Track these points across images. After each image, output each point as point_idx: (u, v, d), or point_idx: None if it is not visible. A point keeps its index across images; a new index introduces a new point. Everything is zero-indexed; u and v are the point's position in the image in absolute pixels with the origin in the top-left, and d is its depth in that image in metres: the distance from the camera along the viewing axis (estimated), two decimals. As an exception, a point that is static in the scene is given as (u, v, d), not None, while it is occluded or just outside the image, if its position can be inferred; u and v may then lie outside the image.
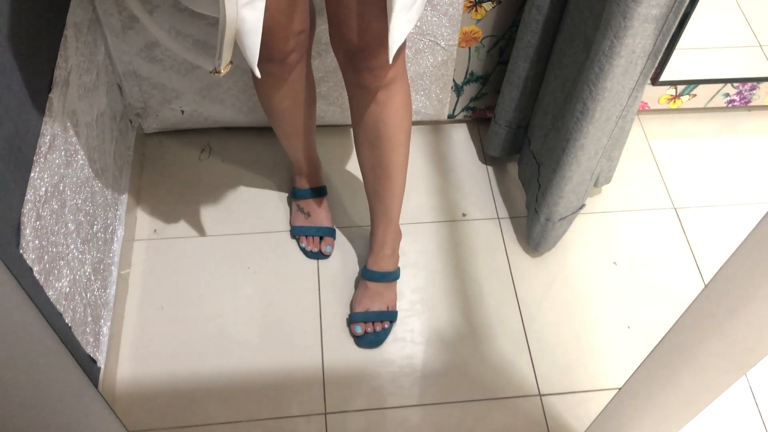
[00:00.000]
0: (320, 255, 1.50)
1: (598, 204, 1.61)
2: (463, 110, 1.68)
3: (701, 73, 1.68)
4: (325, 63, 1.50)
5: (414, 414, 1.32)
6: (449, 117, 1.69)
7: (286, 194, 1.59)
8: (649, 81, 1.67)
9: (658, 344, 0.85)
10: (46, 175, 1.07)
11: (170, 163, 1.63)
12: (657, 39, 1.12)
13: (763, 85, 1.71)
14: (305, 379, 1.35)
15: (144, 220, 1.53)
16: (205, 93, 1.55)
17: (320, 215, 1.52)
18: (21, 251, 0.97)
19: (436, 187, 1.63)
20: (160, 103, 1.57)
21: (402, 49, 1.11)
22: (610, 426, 1.05)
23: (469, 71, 1.57)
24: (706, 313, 0.77)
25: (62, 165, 1.13)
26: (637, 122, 1.76)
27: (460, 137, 1.71)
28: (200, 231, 1.53)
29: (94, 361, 1.23)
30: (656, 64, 1.20)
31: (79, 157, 1.21)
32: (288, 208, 1.57)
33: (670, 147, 1.73)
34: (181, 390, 1.32)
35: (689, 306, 0.79)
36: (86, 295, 1.21)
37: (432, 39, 1.47)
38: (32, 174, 1.02)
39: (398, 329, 1.41)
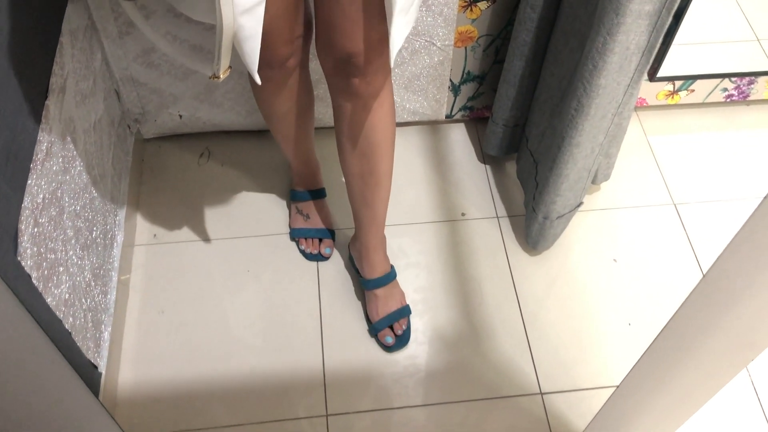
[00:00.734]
0: (320, 257, 1.50)
1: (596, 201, 1.61)
2: (460, 110, 1.68)
3: (699, 69, 1.68)
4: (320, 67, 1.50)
5: (418, 414, 1.32)
6: (447, 117, 1.69)
7: (285, 197, 1.59)
8: (646, 77, 1.67)
9: (654, 340, 0.85)
10: (43, 182, 1.07)
11: (169, 167, 1.63)
12: (651, 35, 1.12)
13: (761, 80, 1.70)
14: (306, 381, 1.35)
15: (144, 225, 1.54)
16: (202, 97, 1.56)
17: (319, 217, 1.53)
18: (19, 258, 0.97)
19: (435, 186, 1.63)
20: (158, 108, 1.57)
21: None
22: (609, 424, 1.05)
23: (466, 71, 1.57)
24: (702, 307, 0.77)
25: (60, 172, 1.14)
26: (636, 118, 1.76)
27: (458, 137, 1.71)
28: (200, 235, 1.53)
29: (95, 367, 1.23)
30: (651, 61, 1.20)
31: (77, 163, 1.22)
32: (287, 211, 1.57)
33: (668, 143, 1.72)
34: (183, 394, 1.33)
35: (685, 300, 0.79)
36: (86, 301, 1.22)
37: (428, 39, 1.47)
38: (29, 181, 1.02)
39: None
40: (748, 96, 1.75)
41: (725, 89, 1.72)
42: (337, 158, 1.65)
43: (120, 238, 1.42)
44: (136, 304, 1.43)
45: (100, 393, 1.24)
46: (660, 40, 1.16)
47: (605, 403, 1.02)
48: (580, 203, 1.46)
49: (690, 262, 1.52)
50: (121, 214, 1.45)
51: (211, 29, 1.39)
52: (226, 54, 0.92)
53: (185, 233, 1.53)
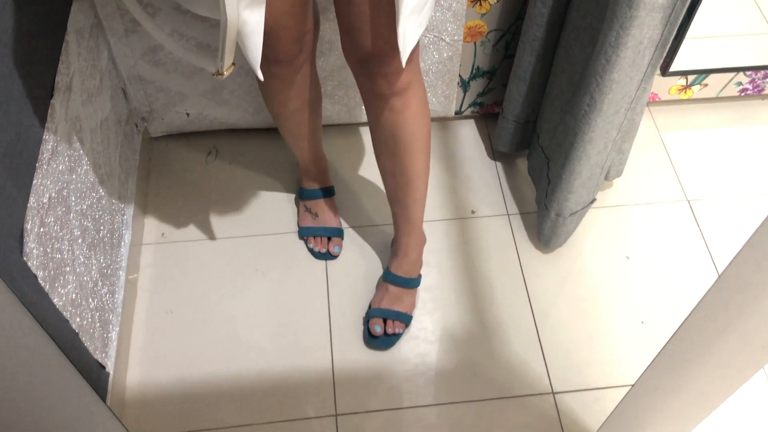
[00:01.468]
0: (328, 256, 1.49)
1: (609, 198, 1.59)
2: (470, 106, 1.66)
3: (712, 63, 1.65)
4: (329, 62, 1.49)
5: (428, 413, 1.30)
6: (456, 113, 1.67)
7: (294, 195, 1.58)
8: (659, 71, 1.64)
9: (670, 339, 0.83)
10: (49, 182, 1.06)
11: (177, 166, 1.62)
12: (665, 28, 1.10)
13: (777, 73, 1.68)
14: (315, 381, 1.34)
15: (151, 224, 1.53)
16: (210, 95, 1.55)
17: (328, 215, 1.51)
18: (24, 258, 0.96)
19: (445, 184, 1.61)
20: (165, 106, 1.56)
21: (415, 54, 1.08)
22: (623, 424, 1.04)
23: (475, 66, 1.55)
24: (718, 306, 0.75)
25: (66, 171, 1.13)
26: (648, 114, 1.73)
27: (468, 133, 1.69)
28: (208, 234, 1.52)
29: (103, 367, 1.23)
30: (664, 55, 1.18)
31: (84, 162, 1.21)
32: (295, 209, 1.56)
33: (682, 138, 1.70)
34: (192, 393, 1.32)
35: (701, 299, 0.77)
36: (93, 301, 1.21)
37: (436, 35, 1.45)
38: (35, 181, 1.01)
39: (411, 327, 1.40)
40: (763, 90, 1.72)
41: (740, 83, 1.69)
42: (345, 155, 1.64)
43: (128, 237, 1.41)
44: (144, 303, 1.43)
45: (108, 393, 1.23)
46: (674, 34, 1.13)
47: (619, 403, 1.00)
48: (593, 200, 1.44)
49: (704, 259, 1.50)
50: (129, 213, 1.44)
51: (216, 26, 1.37)
52: (230, 51, 0.91)
53: (193, 232, 1.52)
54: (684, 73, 1.65)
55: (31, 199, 1.00)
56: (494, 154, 1.65)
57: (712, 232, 1.54)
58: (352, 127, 1.68)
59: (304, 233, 1.51)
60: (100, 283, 1.25)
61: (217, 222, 1.54)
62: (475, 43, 1.50)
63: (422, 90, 1.15)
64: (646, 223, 1.55)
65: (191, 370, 1.35)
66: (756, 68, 1.66)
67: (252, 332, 1.39)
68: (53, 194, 1.07)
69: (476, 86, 1.61)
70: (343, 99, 1.59)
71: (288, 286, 1.45)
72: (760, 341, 0.77)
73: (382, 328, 1.37)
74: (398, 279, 1.39)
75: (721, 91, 1.71)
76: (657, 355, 0.87)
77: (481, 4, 1.41)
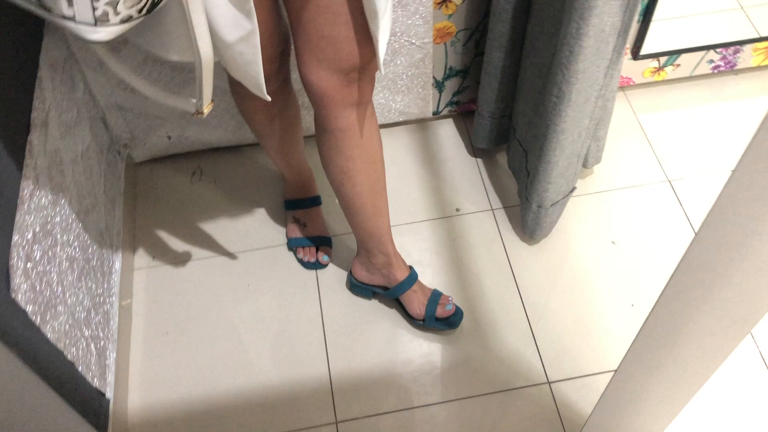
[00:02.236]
0: (318, 265, 1.51)
1: (590, 185, 1.60)
2: (447, 105, 1.68)
3: (683, 43, 1.67)
4: (303, 74, 1.50)
5: (427, 413, 1.32)
6: (434, 114, 1.69)
7: (279, 208, 1.60)
8: (630, 56, 1.66)
9: (648, 316, 0.85)
10: (32, 217, 1.08)
11: (163, 189, 1.64)
12: (624, 14, 1.12)
13: (747, 48, 1.69)
14: (314, 390, 1.35)
15: (142, 249, 1.55)
16: (189, 117, 1.57)
17: (316, 225, 1.53)
18: (12, 294, 0.98)
19: (428, 184, 1.63)
20: (146, 131, 1.58)
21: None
22: (614, 407, 1.05)
23: (448, 66, 1.57)
24: (694, 276, 0.76)
25: (49, 205, 1.15)
26: (624, 98, 1.75)
27: (447, 133, 1.71)
28: (198, 253, 1.54)
29: (103, 394, 1.24)
30: (627, 40, 1.19)
31: (67, 194, 1.23)
32: (281, 222, 1.58)
33: (659, 120, 1.71)
34: (194, 413, 1.33)
35: (675, 270, 0.78)
36: (87, 330, 1.22)
37: (406, 39, 1.47)
38: (17, 217, 1.03)
39: (402, 329, 1.41)
40: (735, 65, 1.74)
41: (711, 61, 1.71)
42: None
43: (118, 263, 1.43)
44: (140, 327, 1.44)
45: (109, 420, 1.24)
46: (634, 19, 1.15)
47: (607, 387, 1.02)
48: (573, 188, 1.45)
49: (688, 237, 1.52)
50: (118, 239, 1.46)
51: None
52: (208, 88, 0.93)
53: (184, 253, 1.54)
54: (655, 56, 1.66)
55: (15, 236, 1.01)
56: (474, 150, 1.67)
57: (695, 210, 1.55)
58: (332, 136, 1.70)
59: (292, 244, 1.53)
60: (93, 312, 1.27)
61: (206, 241, 1.56)
62: (445, 44, 1.52)
63: (373, 113, 1.18)
64: (629, 206, 1.57)
65: (191, 389, 1.36)
66: (726, 45, 1.67)
67: (248, 347, 1.41)
68: (37, 229, 1.09)
69: (451, 86, 1.62)
70: (321, 109, 1.60)
71: (280, 298, 1.47)
72: (738, 311, 0.79)
73: (452, 305, 1.38)
74: (412, 277, 1.38)
75: (694, 69, 1.73)
76: (637, 335, 0.88)
77: (447, 6, 1.43)
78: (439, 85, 1.61)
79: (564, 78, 1.18)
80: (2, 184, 1.00)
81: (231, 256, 1.53)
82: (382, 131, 1.64)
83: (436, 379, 1.36)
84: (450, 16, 1.45)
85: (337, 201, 1.60)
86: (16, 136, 1.07)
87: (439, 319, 1.38)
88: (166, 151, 1.64)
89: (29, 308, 1.01)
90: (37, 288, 1.06)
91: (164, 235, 1.57)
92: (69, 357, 1.13)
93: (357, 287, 1.43)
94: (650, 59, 1.67)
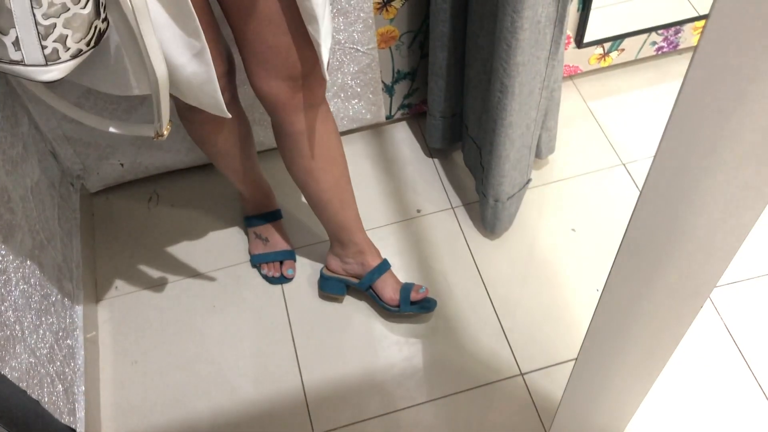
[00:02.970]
0: (283, 279, 1.50)
1: (547, 175, 1.62)
2: (399, 109, 1.68)
3: (624, 27, 1.70)
4: (251, 91, 1.50)
5: (404, 416, 1.32)
6: (387, 118, 1.70)
7: (240, 226, 1.59)
8: (574, 44, 1.68)
9: (600, 299, 0.86)
10: (-18, 257, 1.06)
11: (120, 217, 1.62)
12: (558, 4, 1.13)
13: (687, 27, 1.72)
14: (289, 404, 1.34)
15: (103, 279, 1.53)
16: (139, 143, 1.55)
17: (278, 239, 1.52)
18: (-34, 338, 0.96)
19: (387, 188, 1.63)
20: (97, 160, 1.56)
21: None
22: (581, 393, 1.06)
23: (396, 70, 1.58)
24: (639, 251, 0.77)
25: (0, 243, 1.13)
26: (572, 86, 1.77)
27: (402, 136, 1.72)
28: (161, 279, 1.52)
29: (74, 430, 1.22)
30: (565, 29, 1.21)
31: (19, 231, 1.21)
32: (242, 240, 1.57)
33: (608, 105, 1.74)
34: (168, 440, 1.32)
35: (619, 247, 0.79)
36: (52, 366, 1.21)
37: (351, 46, 1.47)
38: (-35, 259, 1.01)
39: (373, 334, 1.41)
40: (678, 45, 1.77)
41: (654, 42, 1.74)
42: (283, 178, 1.65)
43: (80, 295, 1.41)
44: (108, 358, 1.42)
45: (82, 455, 1.23)
46: (570, 8, 1.17)
47: (571, 374, 1.03)
48: (529, 180, 1.47)
49: (647, 218, 1.53)
50: (78, 272, 1.44)
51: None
52: (166, 109, 0.93)
53: (146, 280, 1.52)
54: (599, 42, 1.69)
55: (-36, 278, 1.00)
56: (430, 151, 1.68)
57: (650, 191, 1.57)
58: (287, 149, 1.69)
59: (256, 260, 1.52)
60: (56, 347, 1.25)
61: (169, 265, 1.54)
62: (390, 48, 1.52)
63: (328, 110, 1.20)
64: (587, 193, 1.59)
65: (165, 415, 1.35)
66: (666, 26, 1.70)
67: (219, 367, 1.40)
68: (-12, 268, 1.07)
69: (401, 89, 1.63)
70: (273, 123, 1.60)
71: (248, 316, 1.46)
72: (689, 279, 0.80)
73: (425, 287, 1.39)
74: (385, 262, 1.40)
75: (638, 53, 1.75)
76: (592, 318, 0.89)
77: (387, 10, 1.44)
78: (389, 90, 1.62)
79: (505, 72, 1.19)
80: (-54, 227, 0.98)
81: (195, 277, 1.52)
82: (337, 140, 1.64)
83: (412, 381, 1.36)
84: (392, 20, 1.46)
85: (297, 214, 1.60)
86: (-42, 177, 1.05)
87: (414, 303, 1.39)
88: (121, 178, 1.63)
89: (-15, 350, 1.00)
90: (-7, 329, 1.04)
91: (126, 264, 1.55)
92: (34, 396, 1.11)
93: (329, 281, 1.43)
94: (594, 46, 1.69)
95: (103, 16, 0.81)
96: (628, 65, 1.80)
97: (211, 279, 1.51)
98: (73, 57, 0.79)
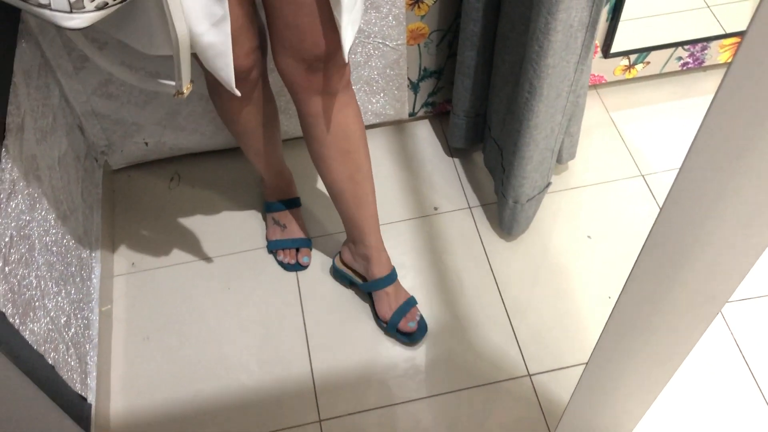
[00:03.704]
0: (298, 267, 1.51)
1: (566, 181, 1.63)
2: (423, 106, 1.70)
3: (652, 41, 1.71)
4: (279, 78, 1.51)
5: (412, 409, 1.33)
6: (410, 115, 1.71)
7: (258, 212, 1.60)
8: (601, 54, 1.69)
9: (616, 303, 0.86)
10: (9, 221, 1.08)
11: (141, 195, 1.64)
12: (592, 9, 1.14)
13: (714, 44, 1.73)
14: (297, 390, 1.36)
15: (121, 255, 1.55)
16: (165, 123, 1.57)
17: (296, 227, 1.54)
18: (-10, 297, 0.98)
19: (406, 185, 1.64)
20: (122, 138, 1.58)
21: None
22: (588, 398, 1.07)
23: (422, 67, 1.59)
24: (659, 256, 0.78)
25: (26, 210, 1.15)
26: (596, 96, 1.78)
27: (424, 134, 1.73)
28: (178, 259, 1.54)
29: (84, 399, 1.24)
30: (596, 36, 1.22)
31: (44, 200, 1.23)
32: (260, 225, 1.58)
33: (631, 116, 1.75)
34: (177, 416, 1.33)
35: (640, 252, 0.80)
36: (67, 335, 1.22)
37: (380, 41, 1.49)
38: (-6, 221, 1.03)
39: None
40: (703, 62, 1.77)
41: (680, 58, 1.75)
42: (304, 167, 1.67)
43: (98, 269, 1.43)
44: (121, 333, 1.44)
45: (91, 424, 1.24)
46: (602, 15, 1.18)
47: (581, 378, 1.03)
48: (549, 184, 1.48)
49: (663, 230, 1.54)
50: (97, 245, 1.46)
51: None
52: (186, 68, 0.94)
53: (163, 258, 1.54)
54: (625, 53, 1.70)
55: (-8, 239, 1.01)
56: (451, 150, 1.69)
57: (668, 204, 1.58)
58: (310, 140, 1.71)
59: (272, 246, 1.53)
60: (73, 317, 1.26)
61: (185, 246, 1.56)
62: (419, 45, 1.54)
63: (352, 93, 1.20)
64: (604, 201, 1.60)
65: (173, 393, 1.36)
66: (693, 42, 1.71)
67: (230, 350, 1.41)
68: (14, 233, 1.09)
69: (426, 87, 1.64)
70: (298, 112, 1.62)
71: (261, 301, 1.47)
72: (705, 291, 0.80)
73: (415, 322, 1.38)
74: (390, 277, 1.39)
75: (663, 67, 1.76)
76: (607, 323, 0.90)
77: (419, 6, 1.45)
78: (414, 87, 1.63)
79: (535, 73, 1.21)
80: (-22, 187, 1.00)
81: (211, 260, 1.54)
82: (359, 133, 1.65)
83: (419, 375, 1.37)
84: (422, 17, 1.47)
85: (315, 203, 1.61)
86: (-8, 141, 1.07)
87: (399, 331, 1.39)
88: (144, 157, 1.65)
89: (8, 310, 1.01)
90: (16, 290, 1.06)
91: (143, 241, 1.57)
92: (49, 361, 1.12)
93: (337, 272, 1.45)
94: (620, 57, 1.70)
95: None
96: (653, 78, 1.81)
97: (227, 262, 1.53)
98: (98, 9, 0.81)
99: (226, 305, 1.47)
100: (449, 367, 1.37)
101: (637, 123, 1.73)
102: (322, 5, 1.00)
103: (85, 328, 1.31)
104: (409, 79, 1.61)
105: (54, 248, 1.24)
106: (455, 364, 1.38)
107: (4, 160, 1.09)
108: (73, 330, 1.25)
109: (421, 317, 1.41)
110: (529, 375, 1.36)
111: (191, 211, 1.61)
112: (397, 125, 1.74)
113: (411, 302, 1.40)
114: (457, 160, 1.68)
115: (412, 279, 1.49)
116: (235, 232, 1.58)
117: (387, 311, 1.39)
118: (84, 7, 0.79)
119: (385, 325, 1.40)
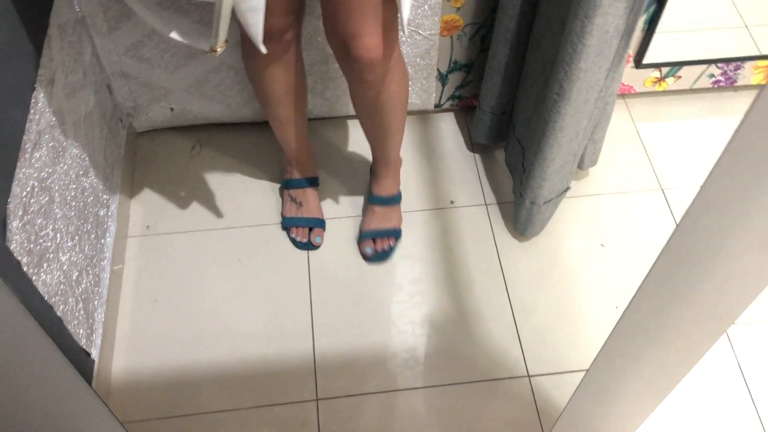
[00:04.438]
0: (310, 246, 1.52)
1: (584, 187, 1.62)
2: (449, 99, 1.70)
3: (685, 55, 1.69)
4: (309, 56, 1.52)
5: (409, 397, 1.34)
6: (436, 107, 1.71)
7: (276, 188, 1.61)
8: (632, 64, 1.68)
9: (624, 312, 0.86)
10: (32, 171, 1.09)
11: (162, 160, 1.65)
12: (629, 17, 1.14)
13: (748, 65, 1.72)
14: (297, 367, 1.37)
15: (137, 217, 1.56)
16: (193, 90, 1.58)
17: (312, 206, 1.55)
18: (8, 244, 0.99)
19: (425, 175, 1.64)
20: (149, 101, 1.59)
21: (394, 26, 1.14)
22: (586, 404, 1.07)
23: (453, 60, 1.59)
24: (673, 271, 0.78)
25: (49, 162, 1.16)
26: (624, 105, 1.77)
27: (448, 126, 1.73)
28: (192, 226, 1.55)
29: (88, 354, 1.26)
30: (630, 44, 1.21)
31: (67, 154, 1.24)
32: (277, 202, 1.59)
33: (656, 129, 1.74)
34: (176, 381, 1.35)
35: (653, 265, 0.80)
36: (78, 289, 1.24)
37: (413, 29, 1.49)
38: (17, 170, 1.04)
39: (389, 314, 1.43)
40: (735, 82, 1.76)
41: (712, 75, 1.73)
42: (326, 148, 1.67)
43: (113, 228, 1.44)
44: (129, 293, 1.46)
45: (93, 380, 1.26)
46: (638, 24, 1.17)
47: (580, 383, 1.04)
48: (567, 188, 1.47)
49: (677, 245, 1.53)
50: (114, 205, 1.47)
51: (204, 7, 1.39)
52: (224, 27, 0.95)
53: (178, 224, 1.55)
54: (657, 65, 1.69)
55: (14, 188, 1.03)
56: (473, 145, 1.69)
57: (685, 220, 1.57)
58: (333, 121, 1.71)
59: (287, 223, 1.54)
60: (84, 273, 1.28)
61: (201, 214, 1.57)
62: (451, 37, 1.54)
63: (401, 57, 1.24)
64: (621, 211, 1.59)
65: (175, 357, 1.38)
66: (728, 60, 1.70)
67: (235, 320, 1.42)
68: (36, 184, 1.10)
69: (454, 80, 1.64)
70: (324, 93, 1.62)
71: (270, 275, 1.48)
72: (713, 311, 0.81)
73: (373, 248, 1.49)
74: (381, 199, 1.50)
75: (694, 83, 1.75)
76: (612, 332, 0.90)
77: (456, -2, 1.45)
78: (442, 78, 1.63)
79: (566, 75, 1.20)
80: (6, 135, 1.01)
81: (225, 230, 1.55)
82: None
83: (420, 364, 1.37)
84: (459, 9, 1.47)
85: (334, 185, 1.62)
86: (23, 91, 1.08)
87: (361, 239, 1.50)
88: (168, 123, 1.66)
89: (23, 259, 1.03)
90: (33, 241, 1.07)
91: (160, 206, 1.58)
92: (58, 313, 1.14)
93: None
94: (652, 69, 1.69)
95: None
96: (683, 93, 1.79)
97: (241, 234, 1.54)
98: None
99: (235, 277, 1.48)
100: (451, 359, 1.38)
101: (662, 136, 1.72)
102: None
103: (95, 285, 1.32)
104: (438, 70, 1.60)
105: (73, 203, 1.25)
106: (456, 358, 1.38)
107: (32, 111, 1.10)
108: (83, 285, 1.26)
109: (390, 249, 1.49)
110: (529, 376, 1.36)
111: (210, 180, 1.62)
112: (421, 115, 1.74)
113: (391, 232, 1.51)
114: (477, 156, 1.68)
115: (421, 269, 1.49)
116: (251, 205, 1.59)
117: (364, 225, 1.51)
118: None
119: (358, 235, 1.51)
